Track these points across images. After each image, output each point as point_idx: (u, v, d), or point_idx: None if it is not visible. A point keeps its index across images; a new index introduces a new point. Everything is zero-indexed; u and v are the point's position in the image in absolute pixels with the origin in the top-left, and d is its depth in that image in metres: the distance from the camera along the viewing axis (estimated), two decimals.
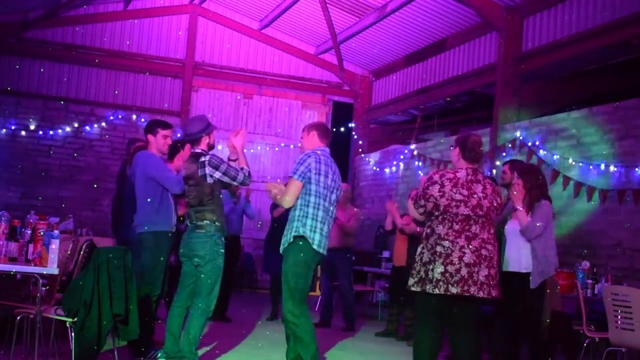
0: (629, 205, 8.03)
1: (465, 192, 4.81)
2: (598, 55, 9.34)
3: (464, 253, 4.72)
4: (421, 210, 4.94)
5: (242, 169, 5.60)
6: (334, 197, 5.34)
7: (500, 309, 5.75)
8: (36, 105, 13.40)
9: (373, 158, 14.44)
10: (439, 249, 4.77)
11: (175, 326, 5.59)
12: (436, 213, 4.84)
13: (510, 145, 10.05)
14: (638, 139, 8.10)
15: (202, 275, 5.50)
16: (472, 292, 4.69)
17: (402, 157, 13.22)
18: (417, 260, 4.92)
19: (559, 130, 9.32)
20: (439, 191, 4.82)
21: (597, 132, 8.68)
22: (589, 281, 7.21)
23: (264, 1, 13.88)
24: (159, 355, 5.69)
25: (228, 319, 8.85)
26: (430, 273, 4.76)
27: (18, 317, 5.09)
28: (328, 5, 12.87)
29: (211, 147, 5.76)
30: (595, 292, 7.08)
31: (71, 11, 13.65)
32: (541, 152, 9.43)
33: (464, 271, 4.69)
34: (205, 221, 5.52)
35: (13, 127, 13.22)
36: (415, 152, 12.73)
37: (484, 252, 4.75)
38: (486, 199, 4.83)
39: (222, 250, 5.59)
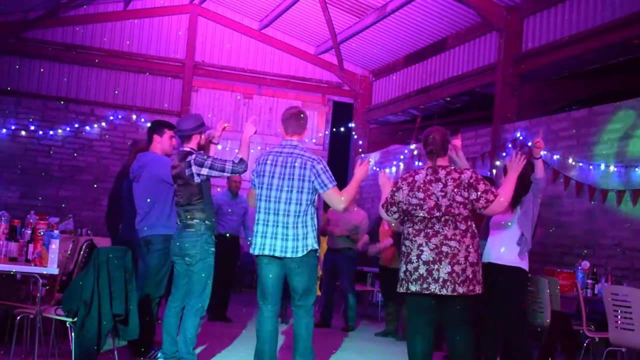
0: (628, 205, 8.03)
1: (421, 195, 4.79)
2: (598, 55, 9.34)
3: (422, 251, 4.73)
4: (395, 216, 5.00)
5: (234, 158, 5.44)
6: (268, 192, 5.09)
7: (487, 306, 5.73)
8: (36, 105, 13.40)
9: (373, 158, 14.44)
10: (403, 248, 4.89)
11: (172, 326, 5.57)
12: (404, 215, 4.93)
13: (510, 145, 10.05)
14: (638, 139, 8.10)
15: (194, 275, 5.47)
16: (432, 290, 4.68)
17: (402, 157, 13.22)
18: None
19: (559, 130, 9.32)
20: (402, 196, 4.90)
21: (597, 132, 8.68)
22: (589, 281, 7.20)
23: (264, 1, 13.88)
24: (159, 355, 5.69)
25: (228, 319, 8.86)
26: (399, 272, 4.89)
27: (18, 317, 5.09)
28: (328, 5, 12.87)
29: (201, 147, 5.73)
30: (595, 292, 7.08)
31: (71, 11, 13.66)
32: (541, 152, 9.41)
33: (422, 269, 4.71)
34: (195, 220, 5.45)
35: (13, 127, 13.22)
36: (415, 152, 12.73)
37: (445, 249, 4.69)
38: (445, 197, 4.73)
39: (213, 249, 5.55)
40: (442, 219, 4.73)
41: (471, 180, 4.77)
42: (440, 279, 4.66)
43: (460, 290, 4.67)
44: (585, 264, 7.39)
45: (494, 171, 9.98)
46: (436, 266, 4.68)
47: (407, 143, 13.72)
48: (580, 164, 8.78)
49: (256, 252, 5.14)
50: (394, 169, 13.46)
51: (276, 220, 5.08)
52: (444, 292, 4.66)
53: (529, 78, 10.59)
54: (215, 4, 14.58)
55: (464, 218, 4.75)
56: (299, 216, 5.08)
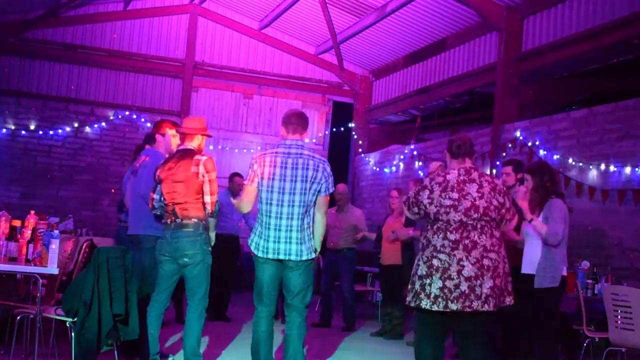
0: (629, 205, 8.02)
1: (456, 195, 4.52)
2: (598, 55, 9.34)
3: (463, 266, 4.44)
4: (417, 217, 4.77)
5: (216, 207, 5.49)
6: (277, 196, 5.01)
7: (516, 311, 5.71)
8: (36, 105, 13.39)
9: (373, 158, 14.44)
10: (435, 262, 4.50)
11: (155, 327, 5.51)
12: (429, 220, 4.62)
13: (510, 145, 10.05)
14: (638, 139, 8.09)
15: (196, 276, 5.40)
16: (475, 307, 4.41)
17: (402, 157, 13.22)
18: (413, 273, 4.68)
19: (559, 130, 9.32)
20: (428, 197, 4.59)
21: (597, 132, 8.68)
22: (589, 281, 7.20)
23: (264, 1, 13.88)
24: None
25: (228, 318, 8.86)
26: (427, 288, 4.50)
27: (18, 317, 5.09)
28: (328, 5, 12.86)
29: (199, 150, 5.70)
30: (595, 292, 7.08)
31: (71, 11, 13.65)
32: (541, 152, 9.43)
33: (464, 286, 4.41)
34: (192, 220, 5.39)
35: (13, 127, 13.22)
36: (415, 152, 12.73)
37: (486, 262, 4.45)
38: (482, 198, 4.51)
39: (210, 249, 5.53)
40: (478, 225, 4.50)
41: (503, 189, 4.68)
42: (483, 295, 4.42)
43: (502, 302, 4.53)
44: (585, 264, 7.39)
45: (494, 171, 9.98)
46: (479, 282, 4.42)
47: (407, 143, 13.73)
48: (580, 164, 8.79)
49: (260, 254, 5.05)
50: (394, 168, 13.47)
51: (279, 224, 5.01)
52: (485, 308, 4.42)
53: (529, 78, 10.59)
54: (215, 4, 14.58)
55: (497, 224, 4.59)
56: (302, 219, 5.03)
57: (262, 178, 5.08)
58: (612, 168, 8.33)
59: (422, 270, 4.55)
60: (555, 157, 9.21)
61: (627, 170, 8.11)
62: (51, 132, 13.42)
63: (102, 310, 4.89)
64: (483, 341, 4.60)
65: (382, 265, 8.93)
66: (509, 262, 4.67)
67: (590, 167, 8.63)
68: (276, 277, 5.11)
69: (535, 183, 5.64)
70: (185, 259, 5.38)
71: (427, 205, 4.59)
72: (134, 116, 13.91)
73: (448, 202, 4.53)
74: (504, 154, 10.05)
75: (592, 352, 6.61)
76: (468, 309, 4.42)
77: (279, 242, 5.01)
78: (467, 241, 4.47)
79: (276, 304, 5.22)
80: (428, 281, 4.51)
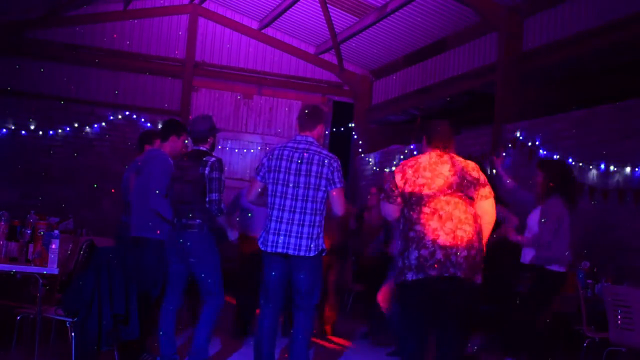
0: (629, 205, 8.02)
1: (429, 174, 4.68)
2: (598, 55, 9.34)
3: (438, 235, 4.56)
4: (399, 200, 4.77)
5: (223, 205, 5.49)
6: (281, 188, 5.04)
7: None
8: (36, 105, 13.38)
9: (373, 158, 14.44)
10: (411, 234, 4.63)
11: (168, 327, 5.52)
12: (405, 200, 4.74)
13: (510, 145, 10.05)
14: (638, 139, 8.09)
15: (207, 275, 5.40)
16: (451, 273, 4.52)
17: (402, 157, 13.21)
18: (396, 253, 4.83)
19: (559, 130, 9.32)
20: (402, 179, 4.74)
21: (597, 132, 8.68)
22: (589, 281, 7.20)
23: (264, 1, 13.88)
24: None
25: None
26: (406, 261, 4.62)
27: (18, 317, 5.09)
28: (328, 5, 12.86)
29: (212, 147, 5.73)
30: (595, 292, 7.08)
31: (71, 11, 13.65)
32: (541, 152, 9.43)
33: (439, 254, 4.53)
34: (197, 220, 5.43)
35: (13, 127, 13.21)
36: (415, 152, 12.72)
37: (459, 233, 4.56)
38: (455, 175, 4.67)
39: (217, 248, 5.55)
40: (452, 200, 4.62)
41: (477, 167, 4.82)
42: (458, 263, 4.53)
43: (472, 275, 4.60)
44: (585, 264, 7.39)
45: (495, 171, 9.96)
46: (454, 250, 4.53)
47: (407, 143, 13.72)
48: (580, 164, 8.78)
49: (269, 250, 5.05)
50: (394, 168, 13.44)
51: (291, 217, 5.01)
52: (462, 275, 4.51)
53: (529, 78, 10.59)
54: (215, 4, 14.58)
55: (470, 202, 4.69)
56: (315, 215, 5.03)
57: (268, 171, 5.11)
58: (612, 168, 8.32)
59: (401, 245, 4.71)
60: (555, 157, 9.20)
61: (627, 170, 8.11)
62: (51, 132, 13.41)
63: (102, 310, 4.89)
64: (459, 336, 4.64)
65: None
66: (482, 241, 4.72)
67: (590, 167, 8.63)
68: (283, 275, 5.10)
69: (543, 178, 5.81)
70: (192, 260, 5.41)
71: (402, 186, 4.74)
72: (134, 116, 13.91)
73: (422, 181, 4.69)
74: (504, 154, 10.04)
75: (592, 352, 6.61)
76: (446, 274, 4.51)
77: (278, 234, 5.02)
78: (442, 212, 4.61)
79: (282, 304, 5.19)
80: (407, 254, 4.64)
